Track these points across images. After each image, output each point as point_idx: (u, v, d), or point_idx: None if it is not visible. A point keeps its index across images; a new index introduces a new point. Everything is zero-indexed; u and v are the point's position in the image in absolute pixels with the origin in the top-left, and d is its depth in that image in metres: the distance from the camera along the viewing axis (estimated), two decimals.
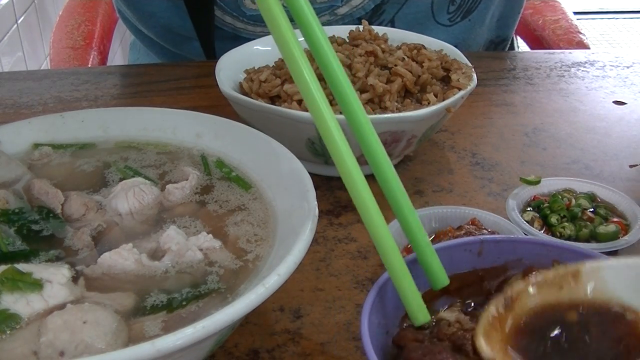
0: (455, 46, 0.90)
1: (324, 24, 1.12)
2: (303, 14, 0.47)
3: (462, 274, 0.53)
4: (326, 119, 0.48)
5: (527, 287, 0.47)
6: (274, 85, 0.79)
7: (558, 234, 0.68)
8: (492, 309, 0.46)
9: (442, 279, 0.50)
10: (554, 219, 0.69)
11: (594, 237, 0.68)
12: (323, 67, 0.48)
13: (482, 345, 0.44)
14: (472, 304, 0.52)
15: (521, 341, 0.45)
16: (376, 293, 0.48)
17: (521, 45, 1.52)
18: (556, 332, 0.46)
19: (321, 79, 0.48)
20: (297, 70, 0.47)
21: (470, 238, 0.54)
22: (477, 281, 0.53)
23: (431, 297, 0.51)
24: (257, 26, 1.12)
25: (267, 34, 1.00)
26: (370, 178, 0.49)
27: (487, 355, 0.43)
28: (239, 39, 1.11)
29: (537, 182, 0.74)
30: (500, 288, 0.53)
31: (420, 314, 0.48)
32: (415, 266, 0.50)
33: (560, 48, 1.38)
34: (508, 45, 1.34)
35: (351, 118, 0.50)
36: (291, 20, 0.47)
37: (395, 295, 0.49)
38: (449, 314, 0.49)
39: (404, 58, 0.82)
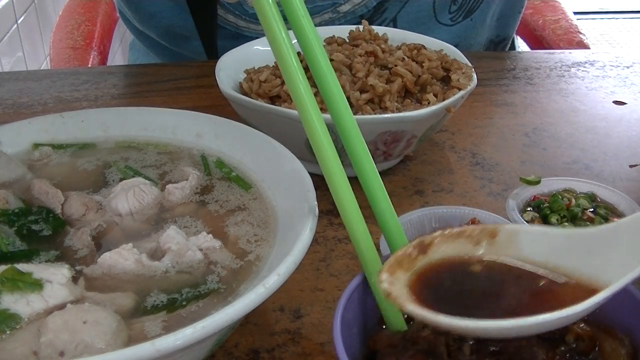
0: (456, 46, 0.90)
1: (326, 21, 1.13)
2: (295, 14, 0.47)
3: None
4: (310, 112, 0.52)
5: (443, 234, 0.47)
6: (274, 85, 0.79)
7: None
8: (405, 248, 0.46)
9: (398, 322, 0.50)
10: (554, 219, 0.69)
11: None
12: (312, 67, 0.50)
13: (383, 277, 0.44)
14: None
15: (424, 288, 0.45)
16: (351, 292, 0.48)
17: (521, 45, 1.52)
18: (459, 281, 0.46)
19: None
20: (288, 70, 0.48)
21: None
22: None
23: None
24: (259, 24, 1.12)
25: None
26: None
27: (383, 288, 0.43)
28: (241, 38, 1.11)
29: (537, 182, 0.74)
30: None
31: (396, 321, 0.48)
32: None
33: (560, 48, 1.38)
34: (509, 45, 1.34)
35: (336, 117, 0.54)
36: (286, 21, 0.48)
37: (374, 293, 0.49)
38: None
39: (404, 58, 0.82)
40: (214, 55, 1.15)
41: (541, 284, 0.45)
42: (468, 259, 0.47)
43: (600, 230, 0.45)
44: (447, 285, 0.46)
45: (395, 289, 0.43)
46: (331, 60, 0.80)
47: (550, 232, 0.47)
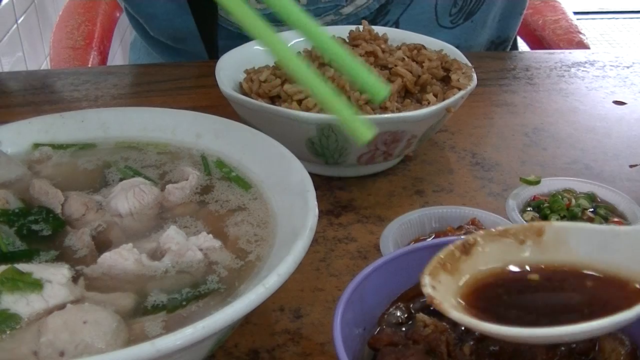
0: (457, 47, 0.90)
1: (328, 23, 1.13)
2: None
3: None
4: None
5: (486, 233, 0.46)
6: (274, 85, 0.79)
7: None
8: (447, 249, 0.45)
9: (379, 88, 0.49)
10: (553, 219, 0.69)
11: None
12: None
13: (425, 281, 0.43)
14: None
15: (475, 297, 0.44)
16: (351, 292, 0.48)
17: (521, 45, 1.52)
18: (516, 291, 0.45)
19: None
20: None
21: (454, 237, 0.54)
22: None
23: (412, 296, 0.51)
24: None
25: None
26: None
27: (426, 292, 0.42)
28: (243, 38, 1.11)
29: (537, 182, 0.74)
30: None
31: (363, 129, 0.48)
32: (399, 261, 0.50)
33: (560, 48, 1.38)
34: (509, 46, 1.34)
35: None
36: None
37: (374, 293, 0.49)
38: (427, 316, 0.49)
39: (404, 58, 0.82)
40: (215, 55, 1.15)
41: (596, 286, 0.44)
42: (522, 267, 0.46)
43: None
44: (502, 295, 0.45)
45: (438, 294, 0.42)
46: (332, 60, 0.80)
47: (599, 230, 0.46)
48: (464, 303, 0.43)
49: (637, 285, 0.43)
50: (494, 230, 0.47)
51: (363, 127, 0.49)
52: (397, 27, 1.15)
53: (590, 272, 0.45)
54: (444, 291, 0.43)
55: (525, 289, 0.45)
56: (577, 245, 0.46)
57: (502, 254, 0.46)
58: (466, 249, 0.46)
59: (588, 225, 0.47)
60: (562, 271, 0.45)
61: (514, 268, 0.46)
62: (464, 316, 0.41)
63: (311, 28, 0.51)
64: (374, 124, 0.73)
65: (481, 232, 0.47)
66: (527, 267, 0.46)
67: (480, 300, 0.44)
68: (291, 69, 0.50)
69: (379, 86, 0.50)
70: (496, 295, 0.45)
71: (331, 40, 0.52)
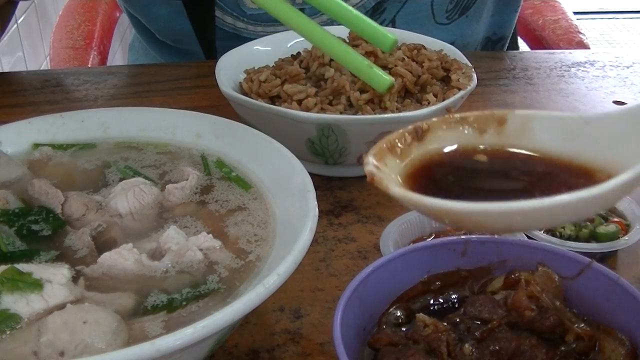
0: (453, 43, 0.90)
1: (324, 22, 1.13)
2: None
3: (445, 273, 0.53)
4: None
5: (443, 119, 0.42)
6: (274, 85, 0.79)
7: (558, 234, 0.68)
8: (398, 132, 0.41)
9: (387, 38, 0.49)
10: None
11: (593, 237, 0.68)
12: None
13: (368, 160, 0.39)
14: (454, 304, 0.52)
15: (421, 177, 0.40)
16: (351, 292, 0.48)
17: (521, 45, 1.52)
18: (463, 171, 0.41)
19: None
20: None
21: (454, 237, 0.54)
22: (460, 281, 0.53)
23: (412, 296, 0.51)
24: (258, 25, 1.12)
25: (268, 33, 1.00)
26: None
27: (367, 170, 0.38)
28: (239, 39, 1.11)
29: None
30: (483, 289, 0.53)
31: (381, 77, 0.48)
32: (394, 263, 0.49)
33: (560, 48, 1.38)
34: (506, 45, 1.34)
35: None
36: None
37: (374, 293, 0.49)
38: (427, 316, 0.48)
39: (404, 58, 0.82)
40: (213, 56, 1.15)
41: (555, 172, 0.39)
42: (472, 148, 0.41)
43: (622, 112, 0.40)
44: (447, 174, 0.41)
45: (381, 172, 0.38)
46: (331, 60, 0.80)
47: (567, 117, 0.41)
48: (406, 181, 0.40)
49: (600, 175, 0.38)
50: (451, 116, 0.42)
51: (380, 76, 0.48)
52: (393, 25, 1.15)
53: (550, 159, 0.40)
54: (389, 173, 0.39)
55: (473, 169, 0.41)
56: (542, 135, 0.41)
57: (459, 143, 0.42)
58: (419, 135, 0.42)
59: (556, 112, 0.42)
60: (515, 156, 0.41)
61: (461, 151, 0.41)
62: (406, 192, 0.37)
63: (310, 27, 0.52)
64: (374, 124, 0.74)
65: (438, 117, 0.42)
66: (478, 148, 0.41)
67: (424, 180, 0.40)
68: (298, 27, 0.50)
69: (381, 77, 0.50)
70: (441, 175, 0.41)
71: (331, 37, 0.52)
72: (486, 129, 0.42)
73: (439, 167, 0.41)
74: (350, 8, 0.52)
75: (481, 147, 0.41)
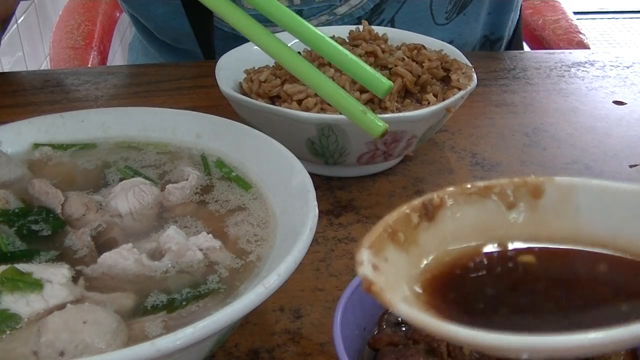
0: (451, 42, 0.90)
1: (323, 23, 1.13)
2: None
3: None
4: None
5: (460, 190, 0.32)
6: (274, 85, 0.79)
7: None
8: (400, 209, 0.31)
9: (381, 82, 0.49)
10: None
11: None
12: None
13: (362, 257, 0.29)
14: None
15: (441, 286, 0.30)
16: (351, 292, 0.48)
17: None
18: (501, 278, 0.30)
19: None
20: None
21: None
22: None
23: None
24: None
25: None
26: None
27: (362, 274, 0.28)
28: (238, 39, 1.11)
29: None
30: None
31: (375, 123, 0.48)
32: None
33: (560, 48, 1.38)
34: (504, 45, 1.34)
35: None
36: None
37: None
38: None
39: (404, 58, 0.82)
40: (212, 56, 1.15)
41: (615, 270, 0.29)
42: (504, 240, 0.30)
43: None
44: (482, 284, 0.31)
45: (382, 277, 0.29)
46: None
47: (626, 190, 0.31)
48: (423, 293, 0.30)
49: None
50: (469, 186, 0.32)
51: (374, 122, 0.48)
52: (392, 25, 1.15)
53: (608, 252, 0.30)
54: (393, 274, 0.30)
55: (515, 275, 0.31)
56: (589, 212, 0.31)
57: (482, 222, 0.32)
58: (429, 212, 0.31)
59: (608, 182, 0.31)
60: (568, 251, 0.31)
61: (497, 245, 0.31)
62: (419, 313, 0.28)
63: (305, 30, 0.52)
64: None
65: (451, 188, 0.32)
66: (519, 245, 0.31)
67: (449, 291, 0.30)
68: (295, 69, 0.50)
69: (380, 80, 0.50)
70: (473, 283, 0.31)
71: (327, 40, 0.52)
72: (517, 202, 0.32)
73: (469, 270, 0.31)
74: (347, 52, 0.52)
75: (522, 242, 0.31)
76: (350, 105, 0.49)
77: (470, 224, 0.32)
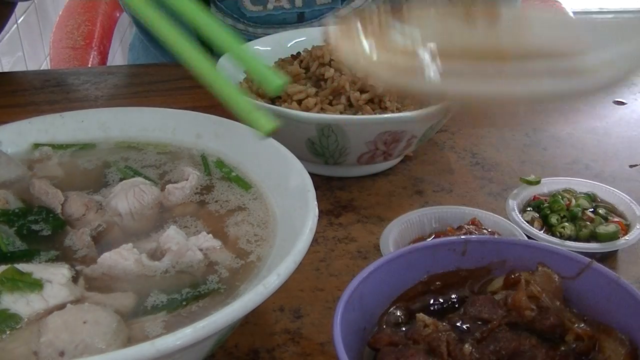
0: None
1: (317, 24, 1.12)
2: None
3: (445, 273, 0.53)
4: None
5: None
6: None
7: (558, 234, 0.68)
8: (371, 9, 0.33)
9: (275, 79, 0.49)
10: (554, 219, 0.69)
11: (594, 237, 0.68)
12: None
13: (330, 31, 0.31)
14: (454, 304, 0.52)
15: None
16: (351, 292, 0.48)
17: None
18: None
19: None
20: None
21: (454, 237, 0.54)
22: (460, 281, 0.53)
23: (412, 296, 0.51)
24: (258, 27, 1.13)
25: (268, 34, 1.00)
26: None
27: (330, 36, 0.30)
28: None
29: (537, 182, 0.74)
30: (483, 289, 0.53)
31: (264, 121, 0.47)
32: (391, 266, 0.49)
33: None
34: None
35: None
36: None
37: (374, 293, 0.49)
38: (426, 316, 0.48)
39: None
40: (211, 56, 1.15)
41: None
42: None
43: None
44: None
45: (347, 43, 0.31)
46: (332, 60, 0.80)
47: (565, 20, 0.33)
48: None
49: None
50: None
51: (263, 119, 0.48)
52: None
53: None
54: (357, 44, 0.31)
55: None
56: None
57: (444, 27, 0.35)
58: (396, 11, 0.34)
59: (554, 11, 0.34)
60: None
61: None
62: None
63: (203, 21, 0.52)
64: (374, 124, 0.74)
65: None
66: None
67: None
68: (191, 63, 0.50)
69: (274, 77, 0.49)
70: None
71: (226, 33, 0.52)
72: (475, 21, 0.36)
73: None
74: (244, 47, 0.51)
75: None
76: (241, 102, 0.49)
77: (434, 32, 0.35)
